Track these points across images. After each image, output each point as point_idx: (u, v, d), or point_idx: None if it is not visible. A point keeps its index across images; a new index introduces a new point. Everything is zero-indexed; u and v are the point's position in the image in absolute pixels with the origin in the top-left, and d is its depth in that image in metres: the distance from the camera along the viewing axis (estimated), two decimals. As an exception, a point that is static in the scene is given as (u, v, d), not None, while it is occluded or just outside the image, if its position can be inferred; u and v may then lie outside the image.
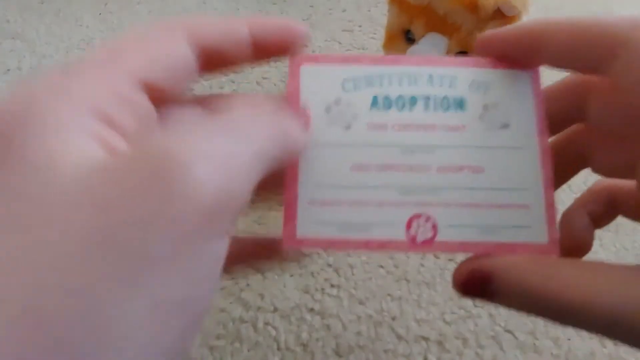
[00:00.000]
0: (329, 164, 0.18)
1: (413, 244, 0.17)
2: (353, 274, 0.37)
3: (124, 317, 0.11)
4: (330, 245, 0.17)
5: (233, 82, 0.56)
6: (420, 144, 0.18)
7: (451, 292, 0.36)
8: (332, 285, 0.37)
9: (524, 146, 0.18)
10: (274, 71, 0.58)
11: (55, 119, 0.12)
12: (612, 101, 0.17)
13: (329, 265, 0.38)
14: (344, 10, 0.63)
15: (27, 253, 0.11)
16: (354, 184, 0.18)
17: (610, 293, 0.14)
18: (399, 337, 0.34)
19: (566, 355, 0.33)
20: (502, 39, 0.18)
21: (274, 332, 0.34)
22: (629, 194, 0.20)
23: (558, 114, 0.19)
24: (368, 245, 0.17)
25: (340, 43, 0.59)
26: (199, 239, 0.12)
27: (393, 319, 0.35)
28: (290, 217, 0.17)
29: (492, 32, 0.18)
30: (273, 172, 0.15)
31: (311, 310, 0.35)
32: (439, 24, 0.39)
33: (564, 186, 0.21)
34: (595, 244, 0.21)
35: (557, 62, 0.17)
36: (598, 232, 0.21)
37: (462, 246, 0.17)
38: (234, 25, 0.17)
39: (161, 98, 0.15)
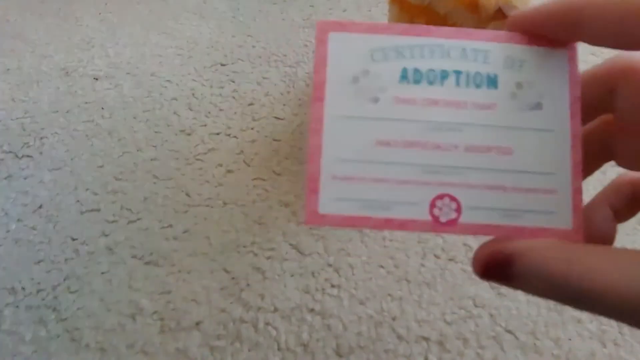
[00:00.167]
0: (353, 137, 0.17)
1: (436, 224, 0.17)
2: (353, 274, 0.37)
3: None
4: (351, 222, 0.17)
5: (233, 82, 0.56)
6: (448, 121, 0.17)
7: (452, 292, 0.36)
8: (333, 286, 0.36)
9: (555, 129, 0.17)
10: (274, 71, 0.57)
11: None
12: None
13: (330, 265, 0.38)
14: (344, 10, 0.63)
15: None
16: (378, 160, 0.17)
17: (635, 279, 0.14)
18: (400, 338, 0.34)
19: (567, 356, 0.33)
20: (539, 13, 0.18)
21: (274, 333, 0.34)
22: None
23: (586, 103, 0.19)
24: (389, 224, 0.17)
25: (340, 43, 0.59)
26: None
27: (394, 319, 0.35)
28: (312, 192, 0.17)
29: (527, 7, 0.18)
30: None
31: (312, 310, 0.35)
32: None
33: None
34: (597, 245, 0.21)
35: (597, 39, 0.16)
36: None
37: (485, 229, 0.17)
38: None
39: None
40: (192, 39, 0.63)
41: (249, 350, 0.33)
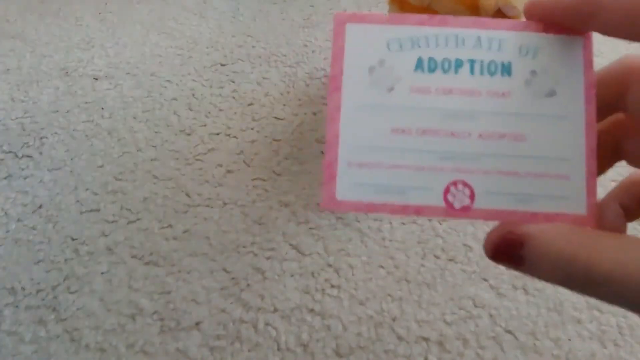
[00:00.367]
0: (369, 126, 0.18)
1: (450, 209, 0.17)
2: (353, 275, 0.37)
3: None
4: (368, 208, 0.17)
5: (233, 82, 0.56)
6: (463, 109, 0.17)
7: (452, 292, 0.36)
8: (333, 286, 0.36)
9: (569, 115, 0.17)
10: (274, 71, 0.57)
11: None
12: None
13: (330, 266, 0.38)
14: (344, 11, 0.63)
15: None
16: (394, 147, 0.17)
17: None
18: (400, 338, 0.34)
19: (567, 356, 0.33)
20: (556, 2, 0.18)
21: (274, 333, 0.34)
22: None
23: (598, 102, 0.19)
24: (405, 210, 0.17)
25: (340, 43, 0.59)
26: None
27: (393, 319, 0.35)
28: (330, 178, 0.17)
29: None
30: None
31: (311, 310, 0.35)
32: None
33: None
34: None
35: (613, 30, 0.17)
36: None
37: (498, 214, 0.17)
38: None
39: None
40: (192, 39, 0.63)
41: (248, 351, 0.33)
